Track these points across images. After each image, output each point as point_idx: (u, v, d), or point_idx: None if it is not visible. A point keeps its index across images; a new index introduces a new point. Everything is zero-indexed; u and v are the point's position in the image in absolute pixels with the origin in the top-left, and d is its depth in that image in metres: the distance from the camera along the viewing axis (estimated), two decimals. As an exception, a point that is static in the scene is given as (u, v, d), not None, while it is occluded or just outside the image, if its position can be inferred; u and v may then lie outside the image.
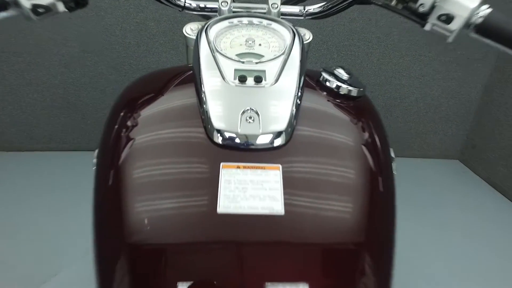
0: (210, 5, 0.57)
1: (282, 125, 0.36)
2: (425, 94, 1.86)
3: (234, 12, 0.56)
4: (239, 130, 0.35)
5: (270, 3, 0.55)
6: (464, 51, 1.77)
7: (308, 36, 0.58)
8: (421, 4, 0.43)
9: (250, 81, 0.39)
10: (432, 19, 0.43)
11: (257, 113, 0.36)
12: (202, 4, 0.57)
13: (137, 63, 1.65)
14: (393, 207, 0.39)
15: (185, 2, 0.56)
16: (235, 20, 0.49)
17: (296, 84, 0.39)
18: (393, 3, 0.47)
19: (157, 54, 1.64)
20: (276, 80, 0.39)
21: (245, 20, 0.49)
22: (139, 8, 1.54)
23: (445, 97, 1.88)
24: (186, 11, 0.57)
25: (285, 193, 0.33)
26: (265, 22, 0.49)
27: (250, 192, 0.33)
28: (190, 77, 0.44)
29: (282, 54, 0.43)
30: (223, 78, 0.39)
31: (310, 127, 0.39)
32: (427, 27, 0.44)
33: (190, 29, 0.60)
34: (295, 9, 0.58)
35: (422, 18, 0.44)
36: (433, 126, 1.95)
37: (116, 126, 0.41)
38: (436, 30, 0.44)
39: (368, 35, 1.69)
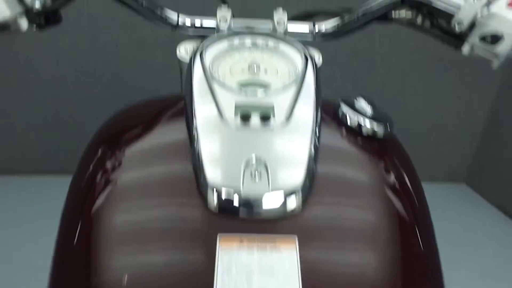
0: (207, 22, 0.50)
1: (297, 180, 0.28)
2: (430, 113, 1.80)
3: (234, 30, 0.50)
4: (241, 190, 0.27)
5: (275, 19, 0.49)
6: (469, 70, 1.72)
7: (317, 57, 0.51)
8: (457, 22, 0.36)
9: (255, 119, 0.31)
10: (473, 40, 0.35)
11: (265, 165, 0.28)
12: (198, 22, 0.50)
13: (133, 82, 1.60)
14: (440, 270, 0.31)
15: (178, 19, 0.50)
16: (236, 40, 0.41)
17: (313, 123, 0.32)
18: (419, 20, 0.41)
19: (154, 73, 1.59)
20: (288, 118, 0.32)
21: (247, 40, 0.42)
22: (136, 26, 1.50)
23: (450, 117, 1.82)
24: (180, 31, 0.51)
25: (304, 284, 0.24)
26: (271, 42, 0.42)
27: (257, 283, 0.24)
28: (181, 110, 0.38)
29: (294, 83, 0.35)
30: (221, 115, 0.31)
31: (333, 183, 0.31)
32: (465, 49, 0.37)
33: (184, 50, 0.54)
34: (303, 27, 0.51)
35: (459, 38, 0.37)
36: (439, 148, 1.88)
37: (89, 170, 0.34)
38: (477, 53, 0.36)
39: (371, 54, 1.64)
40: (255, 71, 0.37)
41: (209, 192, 0.27)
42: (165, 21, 0.49)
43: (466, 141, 1.88)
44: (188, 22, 0.50)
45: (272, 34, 0.44)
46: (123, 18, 1.46)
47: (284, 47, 0.42)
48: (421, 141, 1.84)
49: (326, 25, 0.51)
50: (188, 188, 0.29)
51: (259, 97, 0.34)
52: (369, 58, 1.65)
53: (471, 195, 1.87)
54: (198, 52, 0.39)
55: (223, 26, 0.48)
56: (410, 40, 1.48)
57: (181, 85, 0.61)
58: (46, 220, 1.38)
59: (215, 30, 0.50)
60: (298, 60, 0.39)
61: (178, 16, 0.49)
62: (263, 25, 0.51)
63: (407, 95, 1.75)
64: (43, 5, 0.37)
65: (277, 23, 0.49)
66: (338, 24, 0.51)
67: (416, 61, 1.67)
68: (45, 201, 1.48)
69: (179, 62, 0.54)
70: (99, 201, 0.30)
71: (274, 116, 0.32)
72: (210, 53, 0.39)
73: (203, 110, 0.32)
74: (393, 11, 0.48)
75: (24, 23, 0.37)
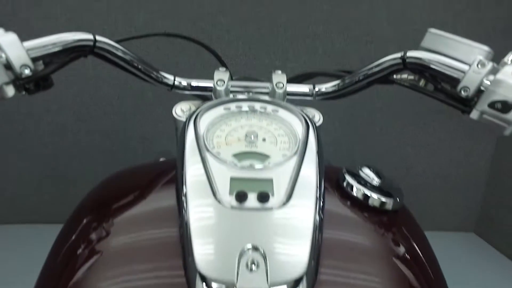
0: (203, 83, 0.49)
1: (300, 269, 0.24)
2: (432, 163, 1.77)
3: (232, 91, 0.49)
4: (236, 283, 0.24)
5: (274, 82, 0.48)
6: (469, 119, 1.73)
7: (318, 117, 0.50)
8: (463, 88, 0.34)
9: (252, 199, 0.28)
10: (482, 106, 0.33)
11: (262, 254, 0.25)
12: (194, 83, 0.50)
13: (132, 133, 1.59)
14: None
15: (174, 80, 0.49)
16: (232, 106, 0.40)
17: (316, 199, 0.28)
18: (422, 83, 0.39)
19: (153, 124, 1.59)
20: (289, 197, 0.28)
21: (245, 105, 0.40)
22: (136, 79, 1.53)
23: (453, 167, 1.79)
24: (176, 91, 0.50)
25: None
26: (269, 108, 0.40)
27: None
28: (173, 180, 0.35)
29: (295, 154, 0.33)
30: (214, 193, 0.28)
31: (341, 267, 0.28)
32: (474, 115, 0.35)
33: (180, 110, 0.53)
34: (303, 88, 0.51)
35: (466, 102, 0.35)
36: (444, 197, 1.83)
37: (70, 240, 0.31)
38: (487, 119, 0.34)
39: (370, 104, 1.66)
40: (252, 140, 0.35)
41: (198, 282, 0.24)
42: (161, 81, 0.48)
43: (471, 189, 1.84)
44: (184, 83, 0.49)
45: (271, 99, 0.42)
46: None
47: (283, 112, 0.40)
48: (425, 191, 1.80)
49: (326, 87, 0.50)
50: (173, 267, 0.26)
51: (257, 171, 0.31)
52: (368, 108, 1.66)
53: (480, 244, 1.82)
54: (193, 118, 0.37)
55: (221, 88, 0.47)
56: (409, 90, 1.50)
57: (176, 144, 0.59)
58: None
59: (212, 90, 0.49)
60: (298, 126, 0.37)
61: (174, 78, 0.49)
62: (262, 87, 0.50)
63: (407, 145, 1.74)
64: (34, 72, 0.36)
65: (276, 85, 0.48)
66: (338, 86, 0.50)
67: (416, 111, 1.68)
68: (39, 248, 1.41)
69: (175, 121, 0.52)
70: (75, 277, 0.27)
71: (273, 194, 0.29)
72: (205, 118, 0.38)
73: (195, 187, 0.29)
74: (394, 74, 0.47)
75: (10, 91, 0.35)
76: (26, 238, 1.53)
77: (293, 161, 0.32)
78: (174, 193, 0.34)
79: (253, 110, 0.40)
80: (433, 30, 0.42)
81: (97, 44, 0.41)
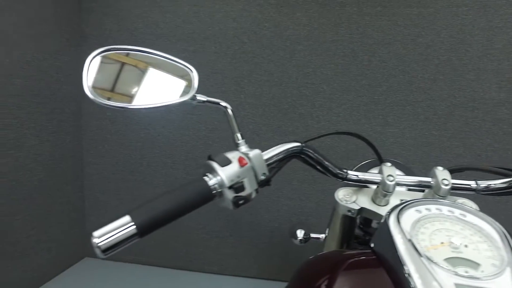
0: (372, 177, 0.56)
1: None
2: None
3: (397, 184, 0.54)
4: None
5: (439, 178, 0.52)
6: None
7: (474, 207, 0.53)
8: None
9: None
10: None
11: None
12: (362, 176, 0.56)
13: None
14: None
15: (346, 173, 0.56)
16: (433, 208, 0.42)
17: None
18: None
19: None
20: None
21: (444, 209, 0.42)
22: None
23: None
24: (347, 182, 0.57)
25: None
26: (457, 212, 0.44)
27: None
28: (376, 270, 0.40)
29: (508, 265, 0.34)
30: None
31: None
32: None
33: (342, 195, 0.59)
34: (466, 183, 0.54)
35: None
36: None
37: None
38: None
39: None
40: (457, 245, 0.38)
41: None
42: (335, 174, 0.56)
43: None
44: (355, 175, 0.56)
45: (465, 207, 0.44)
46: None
47: (471, 217, 0.42)
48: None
49: (495, 183, 0.53)
50: None
51: (480, 281, 0.33)
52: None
53: None
54: (394, 215, 0.41)
55: (390, 183, 0.53)
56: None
57: (330, 220, 0.66)
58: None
59: (378, 184, 0.55)
60: (493, 233, 0.40)
61: (347, 172, 0.56)
62: (424, 182, 0.55)
63: None
64: (266, 177, 0.47)
65: (442, 181, 0.52)
66: (510, 182, 0.52)
67: None
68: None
69: (336, 203, 0.59)
70: None
71: None
72: (408, 217, 0.41)
73: None
74: None
75: (254, 194, 0.47)
76: (124, 275, 1.69)
77: (508, 272, 0.34)
78: (382, 281, 0.38)
79: (441, 213, 0.43)
80: None
81: (303, 150, 0.51)
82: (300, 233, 0.75)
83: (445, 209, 0.44)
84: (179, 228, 1.76)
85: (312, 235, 0.76)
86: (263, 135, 1.61)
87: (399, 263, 0.37)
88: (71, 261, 1.75)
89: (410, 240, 0.38)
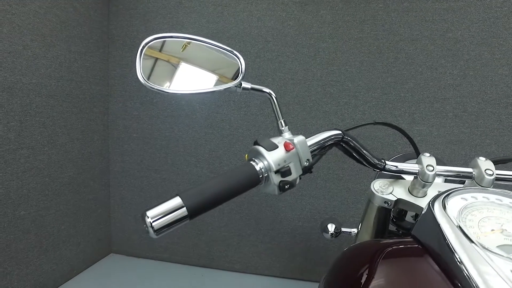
0: (410, 168, 0.55)
1: None
2: None
3: (438, 175, 0.53)
4: None
5: (482, 168, 0.51)
6: None
7: None
8: None
9: None
10: None
11: None
12: (400, 166, 0.55)
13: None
14: None
15: (385, 164, 0.55)
16: (479, 196, 0.42)
17: None
18: None
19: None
20: None
21: (479, 196, 0.43)
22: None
23: None
24: (384, 172, 0.56)
25: None
26: (507, 200, 0.43)
27: None
28: (423, 260, 0.39)
29: None
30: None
31: None
32: None
33: (378, 186, 0.59)
34: (510, 173, 0.52)
35: None
36: None
37: None
38: None
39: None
40: (509, 232, 0.37)
41: None
42: (373, 164, 0.55)
43: None
44: (393, 166, 0.55)
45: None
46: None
47: None
48: None
49: None
50: None
51: None
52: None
53: None
54: (439, 202, 0.40)
55: (430, 173, 0.52)
56: None
57: (364, 212, 0.65)
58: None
59: (416, 174, 0.54)
60: None
61: (385, 162, 0.55)
62: (466, 172, 0.53)
63: None
64: (310, 163, 0.47)
65: (486, 171, 0.50)
66: None
67: None
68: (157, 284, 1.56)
69: (371, 194, 0.58)
70: None
71: None
72: (453, 205, 0.40)
73: (484, 279, 0.31)
74: None
75: (298, 180, 0.47)
76: (153, 271, 1.71)
77: None
78: (431, 271, 0.37)
79: (488, 199, 0.42)
80: None
81: (344, 138, 0.51)
82: (331, 227, 0.74)
83: (493, 197, 0.42)
84: (201, 226, 1.77)
85: (344, 229, 0.75)
86: (287, 133, 1.60)
87: (449, 250, 0.36)
88: (97, 256, 1.79)
89: (459, 227, 0.37)
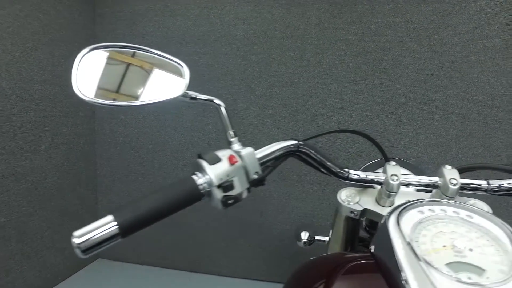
0: (375, 177, 0.53)
1: None
2: None
3: (402, 184, 0.51)
4: None
5: (447, 177, 0.49)
6: None
7: (486, 209, 0.49)
8: None
9: None
10: None
11: None
12: (364, 175, 0.54)
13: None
14: None
15: (348, 173, 0.54)
16: (437, 209, 0.40)
17: None
18: None
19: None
20: None
21: (437, 209, 0.41)
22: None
23: None
24: (348, 181, 0.54)
25: None
26: (463, 213, 0.41)
27: None
28: (375, 275, 0.38)
29: None
30: None
31: None
32: None
33: (345, 195, 0.57)
34: (476, 182, 0.51)
35: None
36: None
37: None
38: None
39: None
40: (461, 249, 0.35)
41: None
42: (336, 173, 0.53)
43: None
44: (357, 175, 0.54)
45: (476, 209, 0.41)
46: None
47: (477, 218, 0.39)
48: None
49: (508, 183, 0.49)
50: None
51: (484, 287, 0.30)
52: None
53: None
54: (394, 216, 0.38)
55: (394, 182, 0.50)
56: None
57: (333, 222, 0.63)
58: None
59: (381, 184, 0.52)
60: (502, 236, 0.37)
61: (348, 171, 0.54)
62: (430, 181, 0.52)
63: None
64: (259, 176, 0.45)
65: (450, 181, 0.49)
66: None
67: None
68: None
69: (339, 204, 0.57)
70: None
71: None
72: (409, 219, 0.38)
73: None
74: None
75: (245, 193, 0.45)
76: (139, 277, 1.70)
77: None
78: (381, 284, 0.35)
79: (445, 214, 0.40)
80: None
81: (300, 148, 0.49)
82: (304, 236, 0.73)
83: (450, 210, 0.41)
84: (188, 230, 1.76)
85: (317, 237, 0.73)
86: (274, 136, 1.59)
87: (397, 268, 0.34)
88: (84, 262, 1.77)
89: (409, 244, 0.35)
